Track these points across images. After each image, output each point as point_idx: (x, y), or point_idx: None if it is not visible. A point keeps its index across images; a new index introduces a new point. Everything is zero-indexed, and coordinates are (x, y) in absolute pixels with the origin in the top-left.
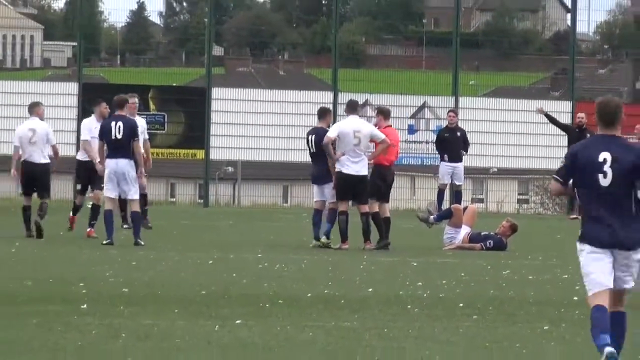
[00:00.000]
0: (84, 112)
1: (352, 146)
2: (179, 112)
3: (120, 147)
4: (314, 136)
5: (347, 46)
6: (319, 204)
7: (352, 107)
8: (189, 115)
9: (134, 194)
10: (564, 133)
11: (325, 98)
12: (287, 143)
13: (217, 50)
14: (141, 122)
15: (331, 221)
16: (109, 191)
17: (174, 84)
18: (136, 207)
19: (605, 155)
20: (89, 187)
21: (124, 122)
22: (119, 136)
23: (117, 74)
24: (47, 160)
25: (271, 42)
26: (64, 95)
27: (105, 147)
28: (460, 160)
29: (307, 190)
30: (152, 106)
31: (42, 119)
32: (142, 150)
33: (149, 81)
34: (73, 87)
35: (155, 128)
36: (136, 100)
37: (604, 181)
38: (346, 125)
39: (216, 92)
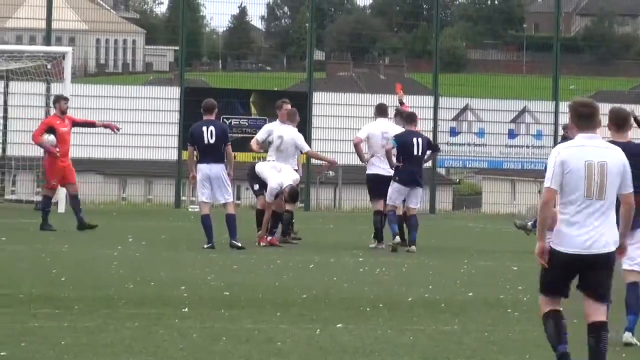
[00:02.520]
0: (185, 116)
1: (380, 147)
2: None
3: (213, 152)
4: (420, 139)
5: (448, 51)
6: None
7: (382, 111)
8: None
9: (228, 198)
10: None
11: (426, 102)
12: None
13: (318, 55)
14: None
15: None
16: (203, 196)
17: (275, 89)
18: (232, 210)
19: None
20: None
21: (216, 126)
22: (212, 140)
23: (219, 78)
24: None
25: (372, 46)
26: (166, 99)
27: (196, 153)
28: None
29: None
30: (253, 110)
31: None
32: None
33: (250, 85)
34: (175, 91)
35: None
36: (289, 106)
37: None
38: (375, 128)
39: (317, 97)
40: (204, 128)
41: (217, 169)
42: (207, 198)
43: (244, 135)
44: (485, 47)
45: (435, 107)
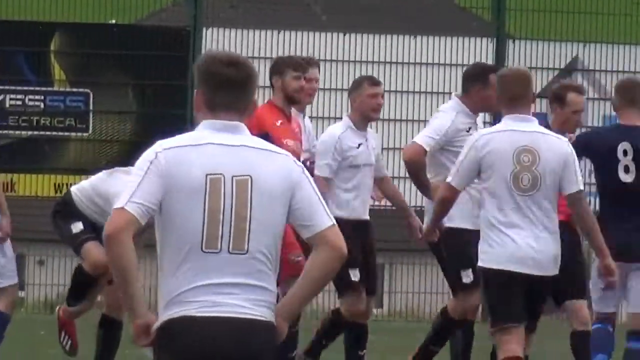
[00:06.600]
0: None
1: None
2: (125, 86)
3: None
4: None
5: None
6: None
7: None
8: (151, 92)
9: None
10: None
11: (477, 51)
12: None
13: None
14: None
15: None
16: None
17: (112, 21)
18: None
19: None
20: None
21: None
22: None
23: None
24: None
25: None
26: None
27: None
28: None
29: None
30: (57, 72)
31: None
32: None
33: (48, 14)
34: None
35: (67, 125)
36: (316, 72)
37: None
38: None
39: (213, 37)
40: None
41: None
42: None
43: (38, 132)
44: None
45: (499, 62)
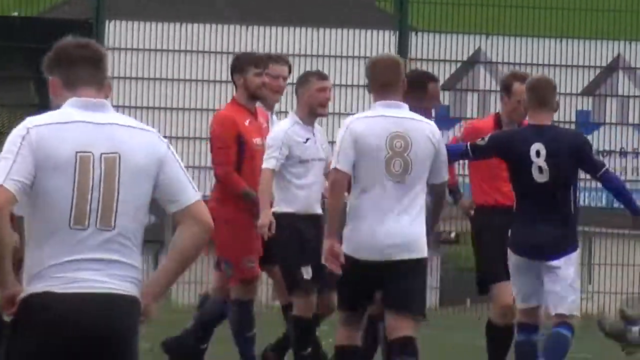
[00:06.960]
0: None
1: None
2: (27, 79)
3: None
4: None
5: None
6: None
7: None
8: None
9: None
10: None
11: (380, 43)
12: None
13: None
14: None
15: None
16: None
17: (15, 13)
18: None
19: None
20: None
21: None
22: None
23: None
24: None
25: None
26: None
27: None
28: None
29: None
30: None
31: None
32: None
33: None
34: None
35: None
36: (284, 70)
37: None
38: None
39: (116, 30)
40: None
41: None
42: None
43: None
44: None
45: (402, 55)
